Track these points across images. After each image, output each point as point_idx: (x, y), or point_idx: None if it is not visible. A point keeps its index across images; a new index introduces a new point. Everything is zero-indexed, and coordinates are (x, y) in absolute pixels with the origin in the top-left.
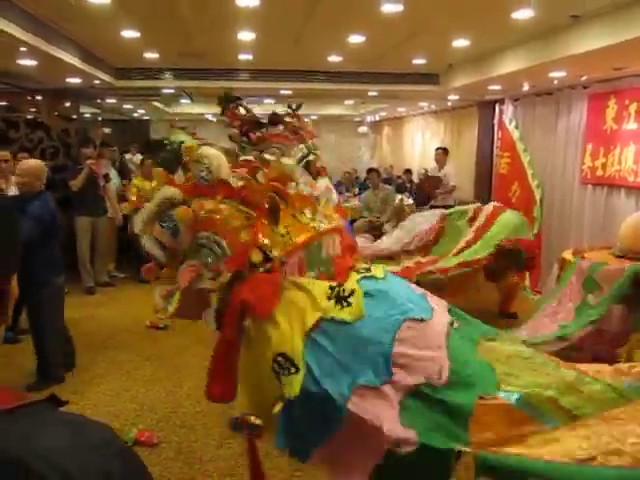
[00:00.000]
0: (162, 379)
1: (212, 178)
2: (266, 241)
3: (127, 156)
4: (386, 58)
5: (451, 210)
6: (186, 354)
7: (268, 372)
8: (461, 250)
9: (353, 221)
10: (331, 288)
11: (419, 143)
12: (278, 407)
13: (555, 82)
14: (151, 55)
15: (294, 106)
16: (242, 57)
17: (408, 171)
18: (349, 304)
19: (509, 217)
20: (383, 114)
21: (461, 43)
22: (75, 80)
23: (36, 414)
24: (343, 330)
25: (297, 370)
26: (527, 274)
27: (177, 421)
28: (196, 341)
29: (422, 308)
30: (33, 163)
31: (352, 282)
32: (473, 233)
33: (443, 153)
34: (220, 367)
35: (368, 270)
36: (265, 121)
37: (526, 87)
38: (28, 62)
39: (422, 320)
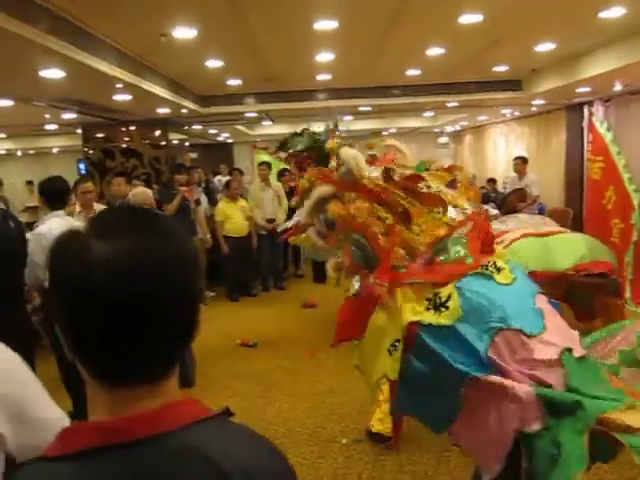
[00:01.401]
0: (253, 396)
1: (353, 177)
2: (402, 251)
3: (217, 177)
4: (465, 68)
5: None
6: (276, 371)
7: (384, 350)
8: None
9: None
10: (428, 300)
11: (502, 151)
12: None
13: None
14: (234, 82)
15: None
16: (320, 77)
17: (492, 180)
18: (447, 308)
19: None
20: (464, 123)
21: (545, 47)
22: (164, 110)
23: (220, 423)
24: (442, 333)
25: (398, 355)
26: (627, 286)
27: (269, 439)
28: (285, 358)
29: (529, 321)
30: (142, 190)
31: (449, 287)
32: None
33: (522, 162)
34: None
35: (496, 269)
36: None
37: (618, 87)
38: (123, 97)
39: (522, 331)
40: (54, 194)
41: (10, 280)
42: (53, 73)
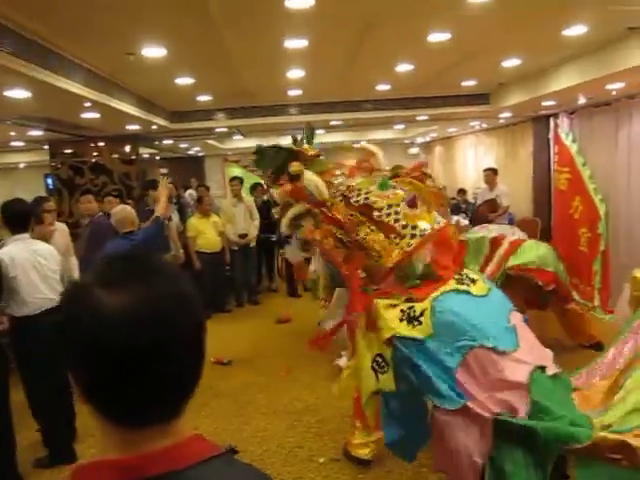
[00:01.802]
0: (229, 416)
1: (316, 199)
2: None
3: (188, 191)
4: (434, 83)
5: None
6: (252, 389)
7: (368, 368)
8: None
9: None
10: (402, 311)
11: (472, 161)
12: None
13: (613, 93)
14: (204, 97)
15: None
16: (291, 93)
17: (462, 191)
18: (420, 322)
19: (530, 245)
20: (434, 135)
21: (512, 62)
22: (134, 127)
23: (226, 461)
24: (414, 346)
25: (389, 368)
26: (596, 294)
27: (246, 460)
28: (260, 375)
29: (503, 339)
30: (122, 208)
31: (424, 303)
32: (495, 265)
33: (492, 173)
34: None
35: (471, 281)
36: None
37: (582, 100)
38: (91, 115)
39: (495, 350)
40: (14, 218)
41: None
42: (18, 93)
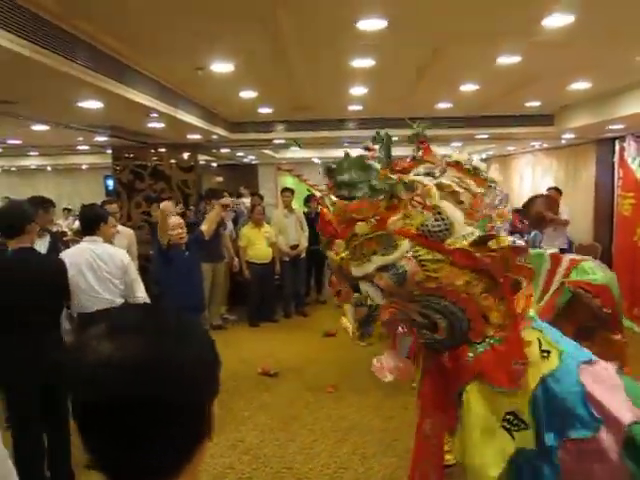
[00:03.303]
0: (275, 430)
1: (443, 236)
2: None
3: (242, 199)
4: (498, 102)
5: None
6: (298, 403)
7: (496, 428)
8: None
9: None
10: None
11: (529, 181)
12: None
13: None
14: (265, 110)
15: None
16: (352, 108)
17: (518, 211)
18: (548, 353)
19: (589, 265)
20: (490, 153)
21: (579, 85)
22: (195, 136)
23: None
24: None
25: (527, 426)
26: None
27: (291, 478)
28: (307, 390)
29: (583, 351)
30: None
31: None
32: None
33: (556, 193)
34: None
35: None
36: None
37: None
38: (157, 124)
39: (591, 362)
40: (85, 221)
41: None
42: (91, 104)
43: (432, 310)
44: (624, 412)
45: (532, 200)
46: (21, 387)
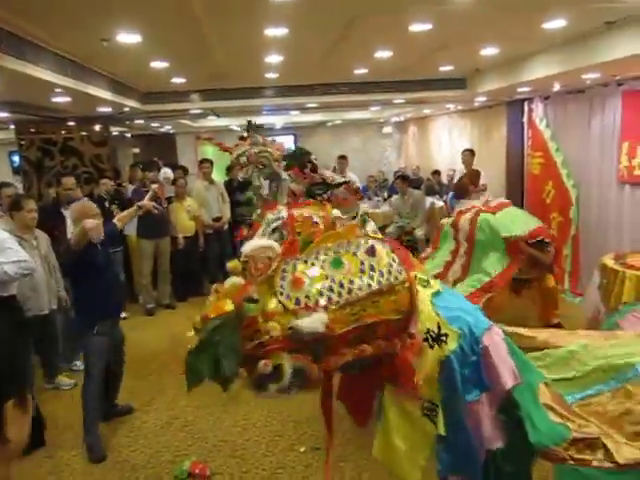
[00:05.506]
0: (209, 405)
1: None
2: None
3: (162, 171)
4: (412, 68)
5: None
6: None
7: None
8: (449, 265)
9: (384, 227)
10: (425, 339)
11: (446, 143)
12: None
13: (588, 82)
14: (178, 80)
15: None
16: (268, 76)
17: (436, 172)
18: (446, 336)
19: (510, 211)
20: (408, 115)
21: (489, 51)
22: (105, 109)
23: None
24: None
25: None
26: (566, 278)
27: (228, 451)
28: None
29: (483, 319)
30: (81, 205)
31: (429, 318)
32: (466, 244)
33: (470, 154)
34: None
35: (427, 282)
36: (331, 182)
37: (557, 87)
38: (62, 99)
39: (489, 329)
40: None
41: None
42: None
43: None
44: (507, 378)
45: (460, 179)
46: None
